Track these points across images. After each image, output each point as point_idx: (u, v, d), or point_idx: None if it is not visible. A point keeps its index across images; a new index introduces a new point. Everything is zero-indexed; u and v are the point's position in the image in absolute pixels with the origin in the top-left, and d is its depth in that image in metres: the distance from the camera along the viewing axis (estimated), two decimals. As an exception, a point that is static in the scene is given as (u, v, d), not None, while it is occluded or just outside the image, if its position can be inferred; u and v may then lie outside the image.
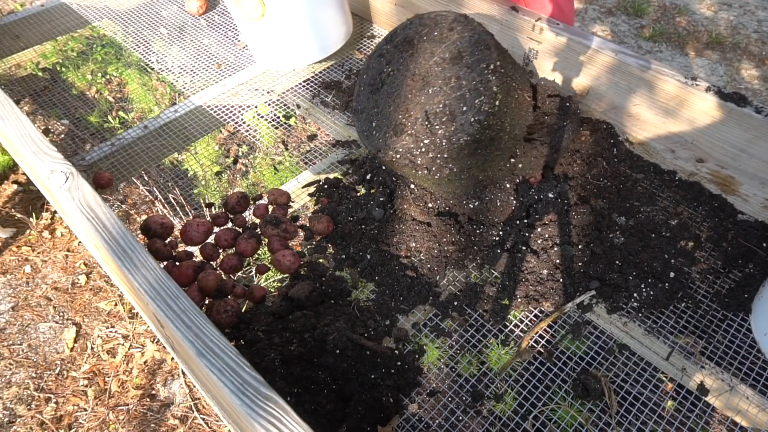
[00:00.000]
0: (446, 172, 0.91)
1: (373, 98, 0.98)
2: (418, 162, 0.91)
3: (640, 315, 0.99)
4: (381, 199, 1.09)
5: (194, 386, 1.84)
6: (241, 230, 1.09)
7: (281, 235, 1.06)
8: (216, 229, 1.08)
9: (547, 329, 0.98)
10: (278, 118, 1.46)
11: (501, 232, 1.06)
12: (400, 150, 0.92)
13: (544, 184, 1.07)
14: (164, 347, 1.93)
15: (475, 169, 0.94)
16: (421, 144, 0.90)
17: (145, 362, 1.90)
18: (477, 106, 0.87)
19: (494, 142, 0.91)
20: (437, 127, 0.89)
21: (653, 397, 0.89)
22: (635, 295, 1.00)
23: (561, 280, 1.01)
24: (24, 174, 2.43)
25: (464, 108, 0.87)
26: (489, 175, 0.97)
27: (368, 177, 1.17)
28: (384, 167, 1.13)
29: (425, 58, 0.92)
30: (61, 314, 2.04)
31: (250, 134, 1.41)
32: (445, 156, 0.89)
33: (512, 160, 0.97)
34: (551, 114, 1.20)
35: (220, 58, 1.67)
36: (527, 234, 1.04)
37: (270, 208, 1.13)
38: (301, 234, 1.09)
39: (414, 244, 1.05)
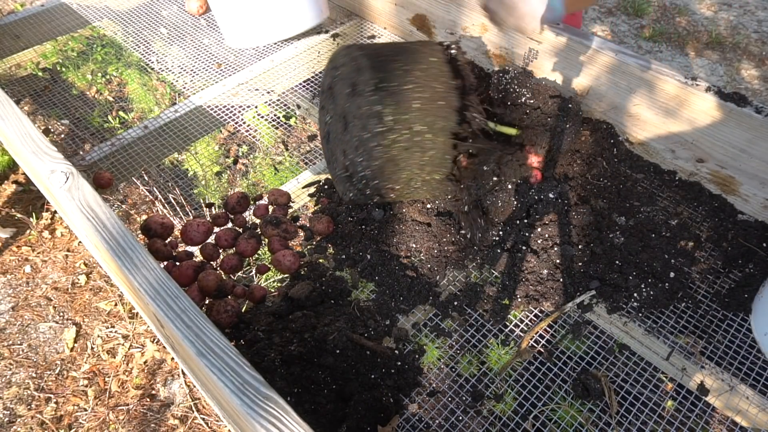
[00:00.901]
0: (394, 193, 0.95)
1: (329, 148, 1.02)
2: (370, 194, 0.95)
3: (640, 315, 0.99)
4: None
5: (194, 386, 1.84)
6: (241, 230, 1.09)
7: (281, 236, 1.06)
8: (216, 229, 1.08)
9: (547, 329, 0.98)
10: (278, 118, 1.46)
11: (501, 232, 1.06)
12: (353, 189, 0.97)
13: (545, 184, 1.07)
14: (164, 347, 1.93)
15: (420, 176, 0.94)
16: (360, 180, 0.94)
17: (145, 362, 1.90)
18: (372, 131, 0.89)
19: (414, 148, 0.91)
20: (358, 161, 0.93)
21: (653, 397, 0.89)
22: (635, 295, 1.00)
23: (561, 280, 1.01)
24: (24, 174, 2.43)
25: (366, 135, 0.90)
26: (444, 172, 0.97)
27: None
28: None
29: (341, 99, 0.96)
30: (61, 314, 2.04)
31: (250, 134, 1.41)
32: (379, 182, 0.93)
33: (455, 149, 0.97)
34: (553, 115, 1.20)
35: (220, 58, 1.67)
36: (527, 234, 1.04)
37: (270, 208, 1.13)
38: (302, 234, 1.09)
39: (414, 244, 1.05)
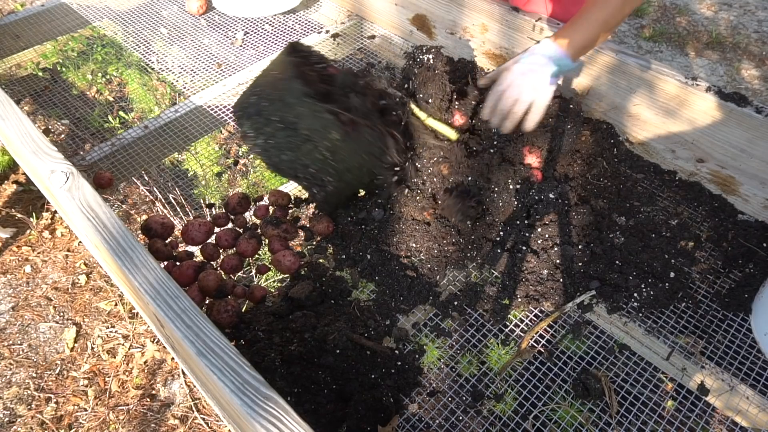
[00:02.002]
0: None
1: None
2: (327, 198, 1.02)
3: (641, 315, 0.99)
4: (380, 200, 1.09)
5: (194, 386, 1.84)
6: (241, 231, 1.09)
7: (282, 236, 1.06)
8: (216, 230, 1.08)
9: (548, 329, 0.98)
10: (278, 118, 1.46)
11: (501, 232, 1.06)
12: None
13: (545, 185, 1.07)
14: (164, 347, 1.93)
15: (361, 167, 0.97)
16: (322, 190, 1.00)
17: (145, 362, 1.90)
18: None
19: (334, 158, 0.94)
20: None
21: (653, 397, 0.89)
22: (635, 295, 1.00)
23: (561, 280, 1.01)
24: (24, 174, 2.43)
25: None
26: (379, 163, 1.00)
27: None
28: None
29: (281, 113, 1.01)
30: (62, 314, 2.04)
31: (250, 134, 1.41)
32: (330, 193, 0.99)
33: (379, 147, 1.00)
34: (553, 115, 1.20)
35: (221, 58, 1.67)
36: (527, 234, 1.04)
37: (271, 208, 1.13)
38: (302, 234, 1.09)
39: (414, 244, 1.05)
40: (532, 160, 1.12)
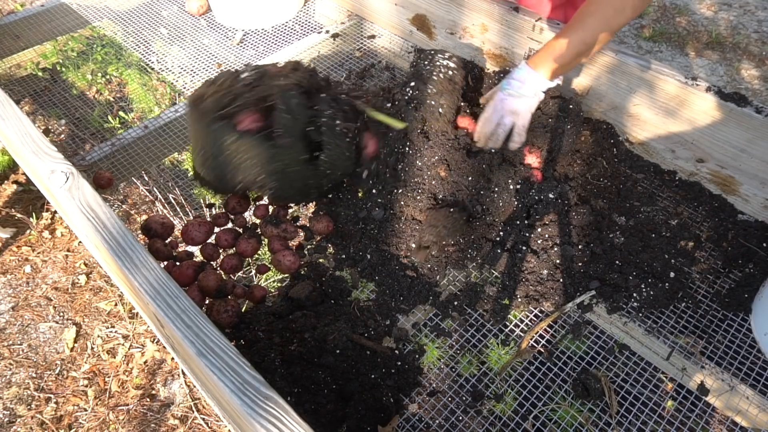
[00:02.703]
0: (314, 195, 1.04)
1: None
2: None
3: (640, 315, 0.99)
4: (380, 200, 1.09)
5: (194, 386, 1.84)
6: (241, 230, 1.09)
7: (281, 236, 1.06)
8: (216, 230, 1.08)
9: (548, 329, 0.98)
10: (278, 118, 1.46)
11: (501, 232, 1.06)
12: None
13: (545, 185, 1.07)
14: (164, 347, 1.93)
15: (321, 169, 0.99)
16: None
17: (145, 362, 1.90)
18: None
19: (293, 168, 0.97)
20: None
21: (653, 397, 0.89)
22: (635, 295, 1.00)
23: (561, 280, 1.01)
24: (24, 174, 2.43)
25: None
26: (344, 165, 1.02)
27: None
28: (384, 168, 1.14)
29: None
30: (61, 314, 2.04)
31: (250, 134, 1.41)
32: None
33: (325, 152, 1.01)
34: (553, 116, 1.20)
35: (220, 58, 1.67)
36: (527, 234, 1.04)
37: (270, 208, 1.13)
38: (302, 234, 1.09)
39: (414, 244, 1.05)
40: (532, 160, 1.12)
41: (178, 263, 1.01)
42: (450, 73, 1.15)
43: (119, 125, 2.39)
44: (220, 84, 0.99)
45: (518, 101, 1.10)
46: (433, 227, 1.02)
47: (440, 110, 1.09)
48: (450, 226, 1.02)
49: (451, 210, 1.03)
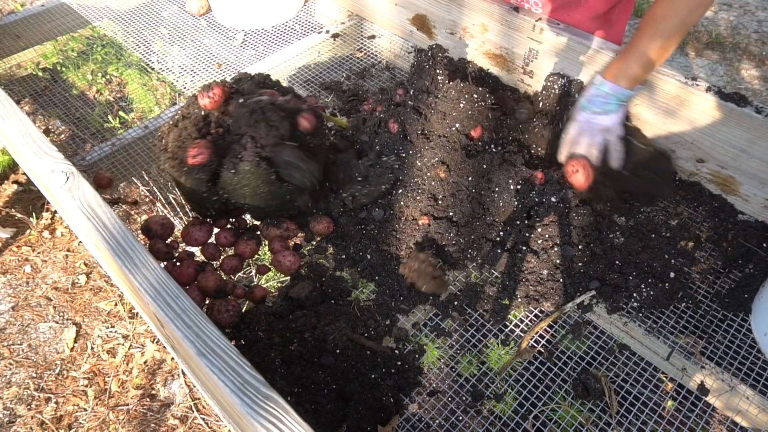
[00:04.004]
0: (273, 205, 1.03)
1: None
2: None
3: (641, 315, 0.99)
4: (380, 200, 1.09)
5: (194, 386, 1.84)
6: (241, 231, 1.09)
7: (282, 236, 1.06)
8: (216, 230, 1.08)
9: (548, 329, 0.98)
10: (278, 118, 1.46)
11: (501, 232, 1.06)
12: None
13: (548, 188, 1.06)
14: (164, 347, 1.93)
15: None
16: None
17: (145, 362, 1.90)
18: None
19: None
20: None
21: (653, 397, 0.89)
22: (635, 295, 1.00)
23: (561, 280, 1.01)
24: (24, 174, 2.43)
25: None
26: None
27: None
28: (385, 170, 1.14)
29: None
30: (61, 314, 2.04)
31: (250, 134, 1.41)
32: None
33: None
34: (554, 116, 1.20)
35: (221, 58, 1.67)
36: (527, 234, 1.04)
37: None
38: (302, 235, 1.09)
39: (414, 244, 1.05)
40: (578, 178, 1.06)
41: (178, 263, 1.01)
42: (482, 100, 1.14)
43: (119, 125, 2.39)
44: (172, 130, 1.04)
45: (606, 117, 1.07)
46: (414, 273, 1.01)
47: (450, 122, 1.09)
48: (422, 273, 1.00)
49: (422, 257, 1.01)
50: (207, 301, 0.97)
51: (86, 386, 1.84)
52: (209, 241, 1.06)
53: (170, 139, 1.03)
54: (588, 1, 1.30)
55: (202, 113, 1.03)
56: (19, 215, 2.29)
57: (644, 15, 1.06)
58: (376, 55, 1.62)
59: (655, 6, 1.02)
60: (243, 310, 0.95)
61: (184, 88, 1.58)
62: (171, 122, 1.05)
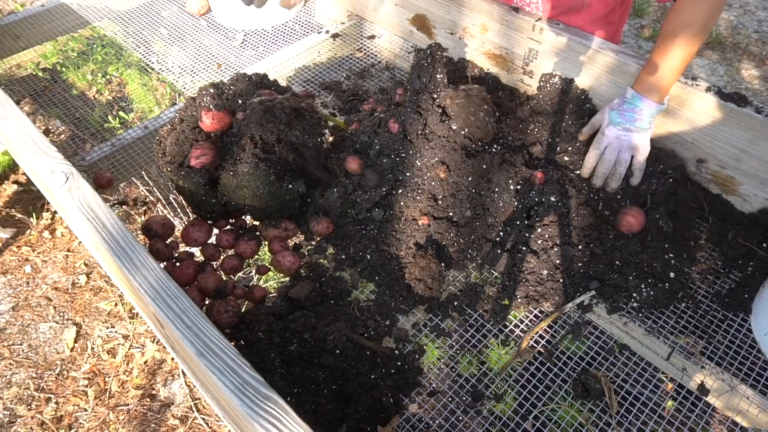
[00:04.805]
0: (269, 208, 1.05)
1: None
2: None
3: (640, 315, 0.99)
4: (381, 200, 1.09)
5: (194, 386, 1.84)
6: (241, 231, 1.09)
7: (281, 236, 1.06)
8: (216, 230, 1.08)
9: (547, 329, 0.98)
10: (278, 118, 1.46)
11: (501, 233, 1.06)
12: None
13: (548, 188, 1.06)
14: (164, 347, 1.93)
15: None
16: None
17: (145, 362, 1.90)
18: None
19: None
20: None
21: (653, 397, 0.89)
22: (635, 295, 1.00)
23: (561, 280, 1.01)
24: (24, 174, 2.43)
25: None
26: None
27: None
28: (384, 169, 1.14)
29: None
30: (62, 314, 2.04)
31: (250, 134, 1.41)
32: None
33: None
34: (555, 116, 1.20)
35: (221, 58, 1.67)
36: (527, 234, 1.04)
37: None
38: (302, 235, 1.09)
39: (414, 244, 1.05)
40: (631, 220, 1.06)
41: (178, 264, 1.01)
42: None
43: (119, 125, 2.39)
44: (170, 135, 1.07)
45: (638, 136, 1.06)
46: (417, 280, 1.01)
47: (454, 126, 1.09)
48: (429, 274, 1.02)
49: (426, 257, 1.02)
50: (207, 302, 0.97)
51: (86, 386, 1.84)
52: (209, 241, 1.06)
53: (168, 142, 1.04)
54: (589, 6, 1.30)
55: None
56: (19, 215, 2.29)
57: (664, 24, 1.04)
58: (375, 55, 1.62)
59: (677, 14, 1.01)
60: (243, 311, 0.95)
61: (184, 88, 1.58)
62: (169, 125, 1.07)
